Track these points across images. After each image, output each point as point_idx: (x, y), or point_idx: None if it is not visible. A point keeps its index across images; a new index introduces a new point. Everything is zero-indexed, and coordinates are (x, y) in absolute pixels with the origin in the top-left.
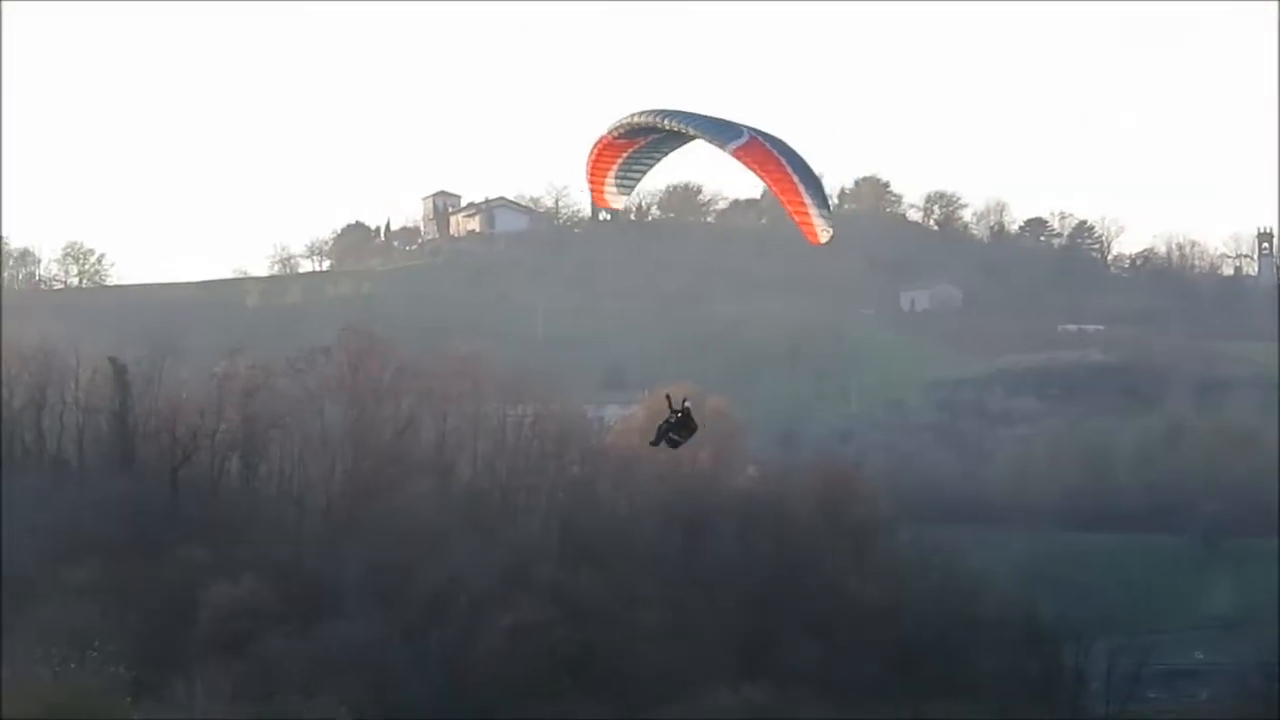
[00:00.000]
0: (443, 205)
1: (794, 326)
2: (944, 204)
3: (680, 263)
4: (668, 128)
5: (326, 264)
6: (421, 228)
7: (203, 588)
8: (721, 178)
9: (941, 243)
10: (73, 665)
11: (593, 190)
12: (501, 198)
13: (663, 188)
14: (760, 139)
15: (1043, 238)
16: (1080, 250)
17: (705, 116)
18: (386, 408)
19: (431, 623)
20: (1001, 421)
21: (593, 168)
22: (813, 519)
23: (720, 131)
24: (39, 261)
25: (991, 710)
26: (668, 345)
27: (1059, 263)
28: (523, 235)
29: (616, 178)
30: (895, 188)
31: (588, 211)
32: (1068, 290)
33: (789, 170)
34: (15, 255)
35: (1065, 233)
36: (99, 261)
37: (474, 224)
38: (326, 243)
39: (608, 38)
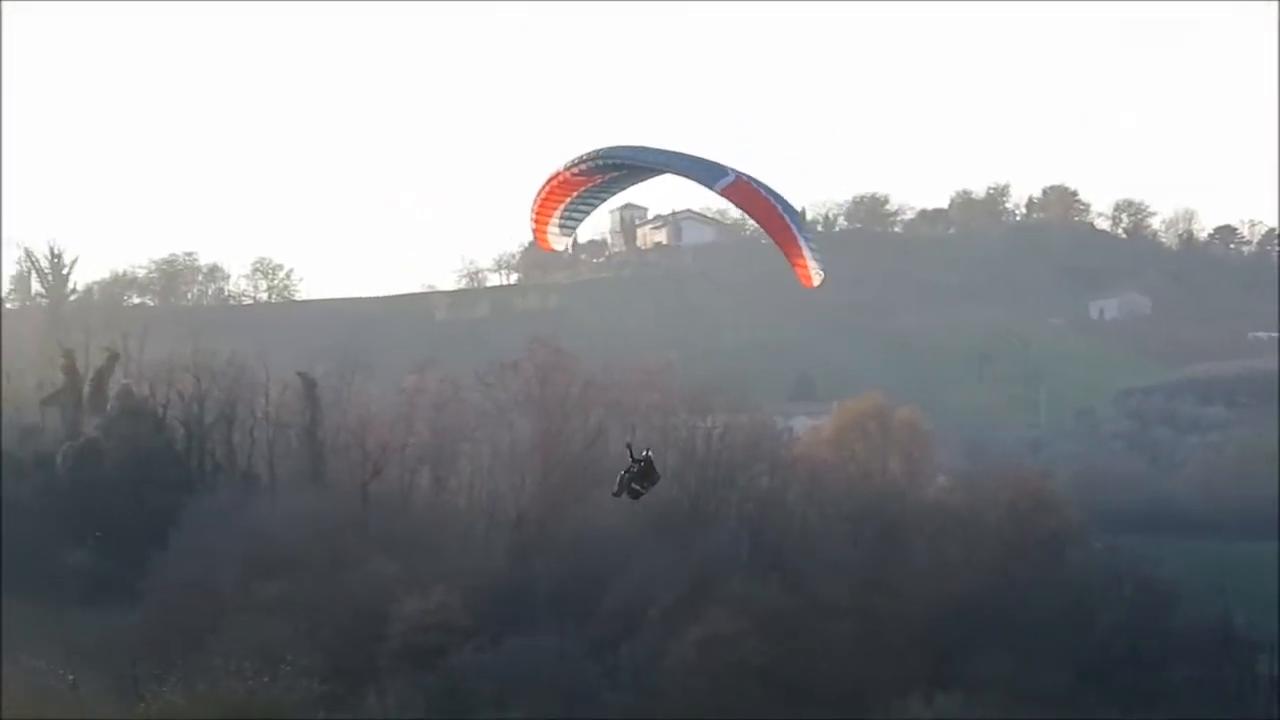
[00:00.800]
0: (629, 218)
1: (982, 336)
2: (1132, 212)
3: (867, 273)
4: (646, 166)
5: (514, 278)
6: (609, 240)
7: (393, 601)
8: (906, 188)
9: (1130, 251)
10: (265, 679)
11: (536, 229)
12: (688, 210)
13: (849, 198)
14: (745, 179)
15: (1232, 245)
16: (1270, 258)
17: (687, 155)
18: (575, 420)
19: (621, 635)
20: (1192, 430)
21: (541, 205)
22: (1003, 529)
23: (705, 171)
24: (228, 277)
25: None
26: (856, 355)
27: (1248, 270)
28: (709, 247)
29: (561, 217)
30: (1083, 196)
31: None
32: (1257, 298)
33: (779, 210)
34: (205, 271)
35: (1255, 240)
36: (288, 277)
37: (661, 236)
38: (514, 256)
39: (792, 49)
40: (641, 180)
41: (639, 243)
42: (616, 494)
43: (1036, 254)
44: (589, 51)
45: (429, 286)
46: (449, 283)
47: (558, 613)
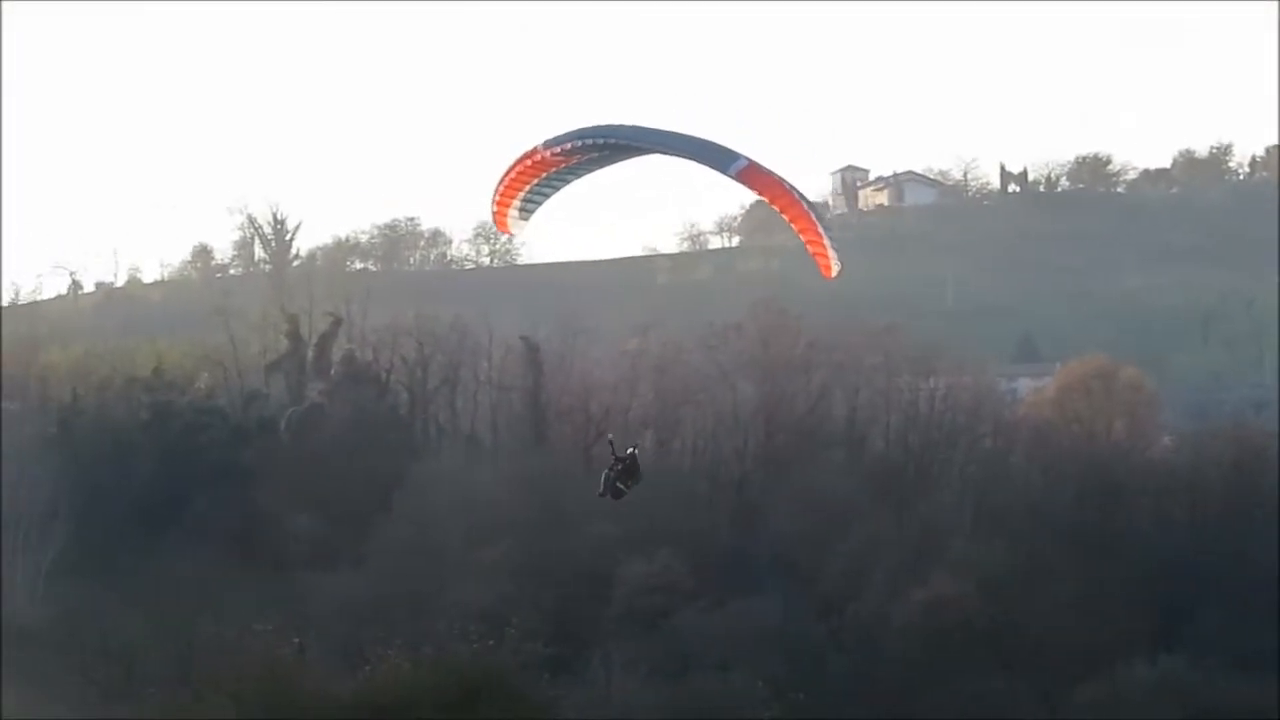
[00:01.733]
0: (851, 180)
1: (1206, 296)
2: None
3: (1090, 233)
4: (647, 147)
5: (736, 240)
6: (830, 202)
7: (617, 564)
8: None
9: None
10: (490, 643)
11: (497, 211)
12: (910, 171)
13: (1071, 159)
14: (755, 163)
15: None
16: None
17: (694, 138)
18: (798, 382)
19: (845, 598)
20: None
21: (509, 184)
22: (1227, 489)
23: (715, 155)
24: (450, 242)
25: None
26: (1079, 317)
27: None
28: (931, 208)
29: (524, 199)
30: None
31: (996, 184)
32: None
33: (796, 196)
34: (427, 236)
35: None
36: (510, 241)
37: (882, 198)
38: (736, 219)
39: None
40: (619, 161)
41: (861, 204)
42: (601, 494)
43: (1260, 213)
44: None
45: (650, 249)
46: (671, 245)
47: (781, 575)
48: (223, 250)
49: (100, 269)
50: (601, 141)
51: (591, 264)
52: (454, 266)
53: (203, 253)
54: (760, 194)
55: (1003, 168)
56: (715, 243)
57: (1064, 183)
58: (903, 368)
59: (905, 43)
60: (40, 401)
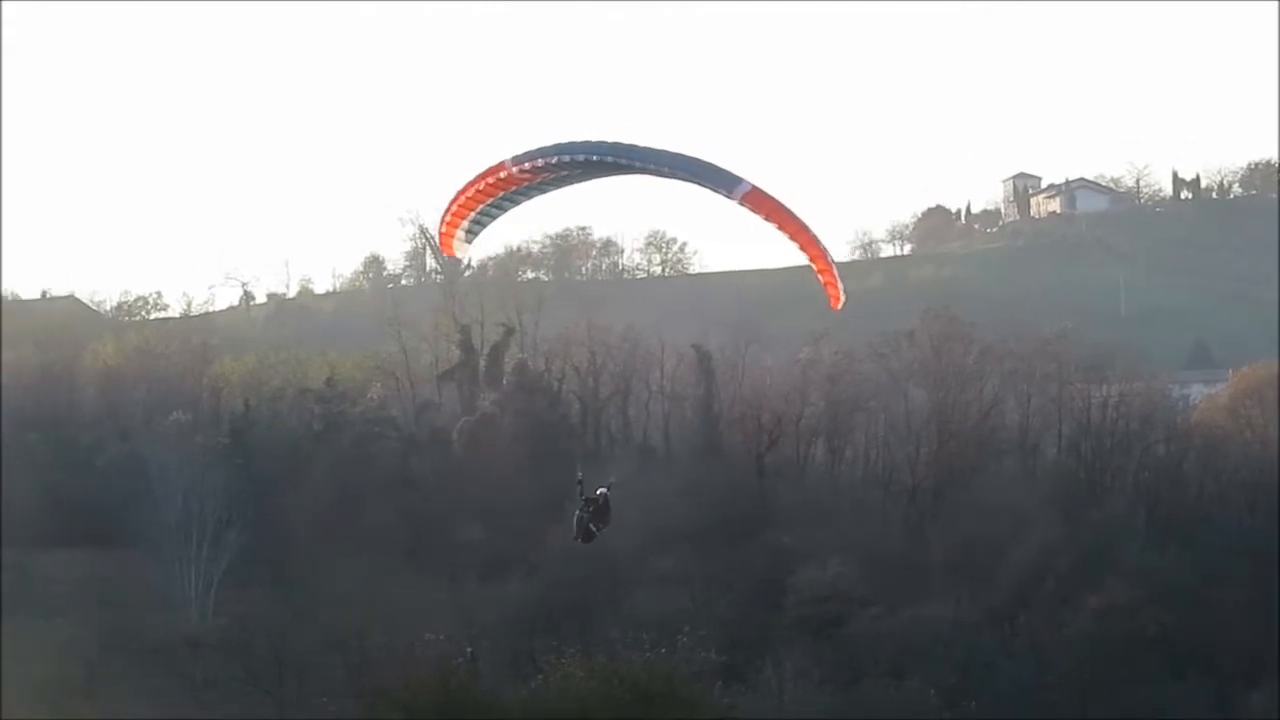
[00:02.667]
0: (1023, 187)
1: None
2: None
3: (1264, 239)
4: (639, 167)
5: (908, 248)
6: (1002, 210)
7: (790, 572)
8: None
9: None
10: (663, 650)
11: (444, 231)
12: (1081, 178)
13: (1243, 165)
14: (759, 188)
15: None
16: None
17: (692, 158)
18: (970, 390)
19: (1017, 605)
20: None
21: (464, 203)
22: None
23: (716, 176)
24: (621, 251)
25: None
26: (1252, 323)
27: None
28: (1104, 215)
29: (473, 220)
30: None
31: (1169, 190)
32: None
33: (804, 223)
34: (599, 245)
35: None
36: (681, 250)
37: (1054, 205)
38: (907, 227)
39: None
40: (594, 179)
41: (1033, 211)
42: (576, 538)
43: None
44: None
45: None
46: (842, 253)
47: (953, 583)
48: (394, 260)
49: (272, 280)
50: (583, 159)
51: (763, 272)
52: (625, 275)
53: (374, 263)
54: (767, 219)
55: (1175, 174)
56: (887, 250)
57: (1236, 189)
58: (1075, 375)
59: (1077, 48)
60: (213, 412)
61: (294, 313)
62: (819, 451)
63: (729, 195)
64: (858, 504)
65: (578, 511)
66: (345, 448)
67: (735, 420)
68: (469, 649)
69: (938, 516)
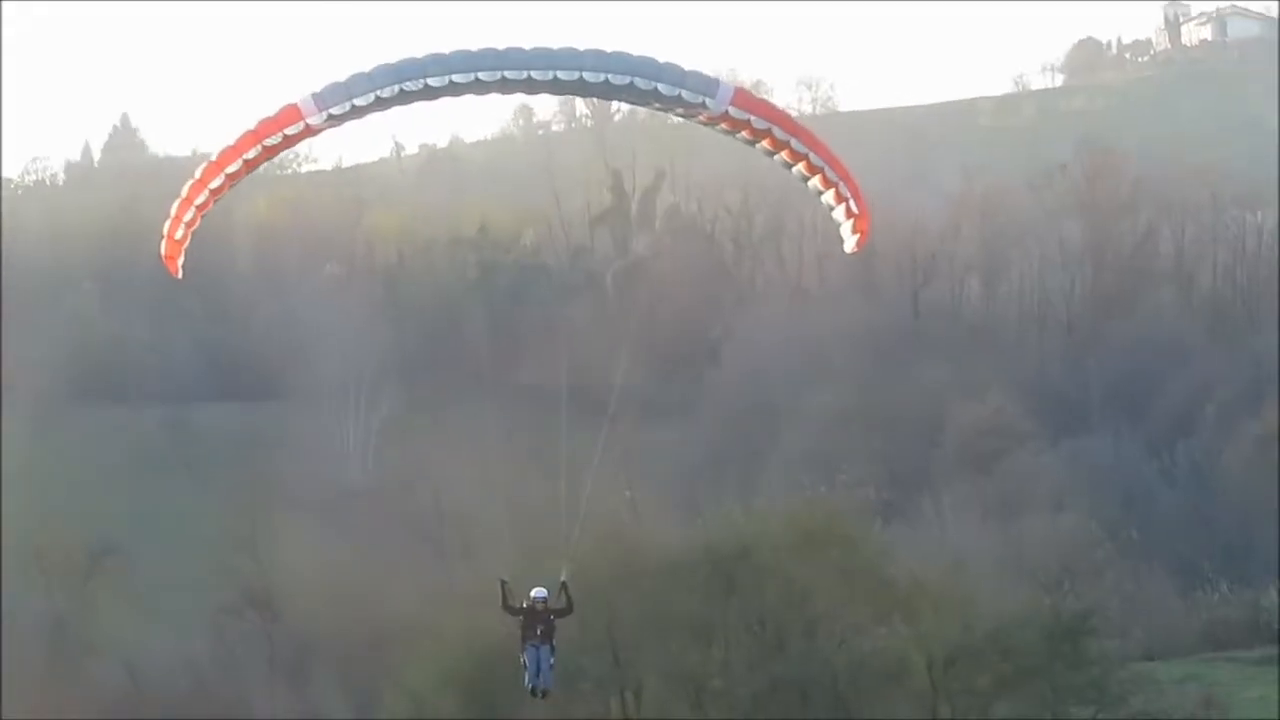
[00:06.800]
0: (1174, 15)
1: None
2: None
3: None
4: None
5: (1060, 79)
6: (1153, 39)
7: (947, 408)
8: None
9: None
10: (823, 489)
11: (169, 234)
12: (1232, 4)
13: None
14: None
15: None
16: None
17: (649, 60)
18: (1125, 221)
19: (1177, 434)
20: None
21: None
22: None
23: (693, 82)
24: (772, 91)
25: None
26: None
27: None
28: (1255, 42)
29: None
30: None
31: None
32: None
33: (815, 135)
34: (749, 86)
35: None
36: (831, 88)
37: (1205, 32)
38: (1059, 58)
39: None
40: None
41: (1184, 39)
42: (535, 692)
43: None
44: None
45: (974, 92)
46: (994, 87)
47: (1112, 414)
48: (545, 108)
49: (423, 130)
50: (501, 77)
51: (913, 109)
52: None
53: (525, 111)
54: (760, 118)
55: None
56: (1038, 83)
57: None
58: (1230, 203)
59: None
60: (366, 265)
61: (446, 163)
62: (974, 287)
63: (706, 106)
64: (1014, 339)
65: (521, 645)
66: (500, 295)
67: (889, 257)
68: (629, 493)
69: (1095, 348)
